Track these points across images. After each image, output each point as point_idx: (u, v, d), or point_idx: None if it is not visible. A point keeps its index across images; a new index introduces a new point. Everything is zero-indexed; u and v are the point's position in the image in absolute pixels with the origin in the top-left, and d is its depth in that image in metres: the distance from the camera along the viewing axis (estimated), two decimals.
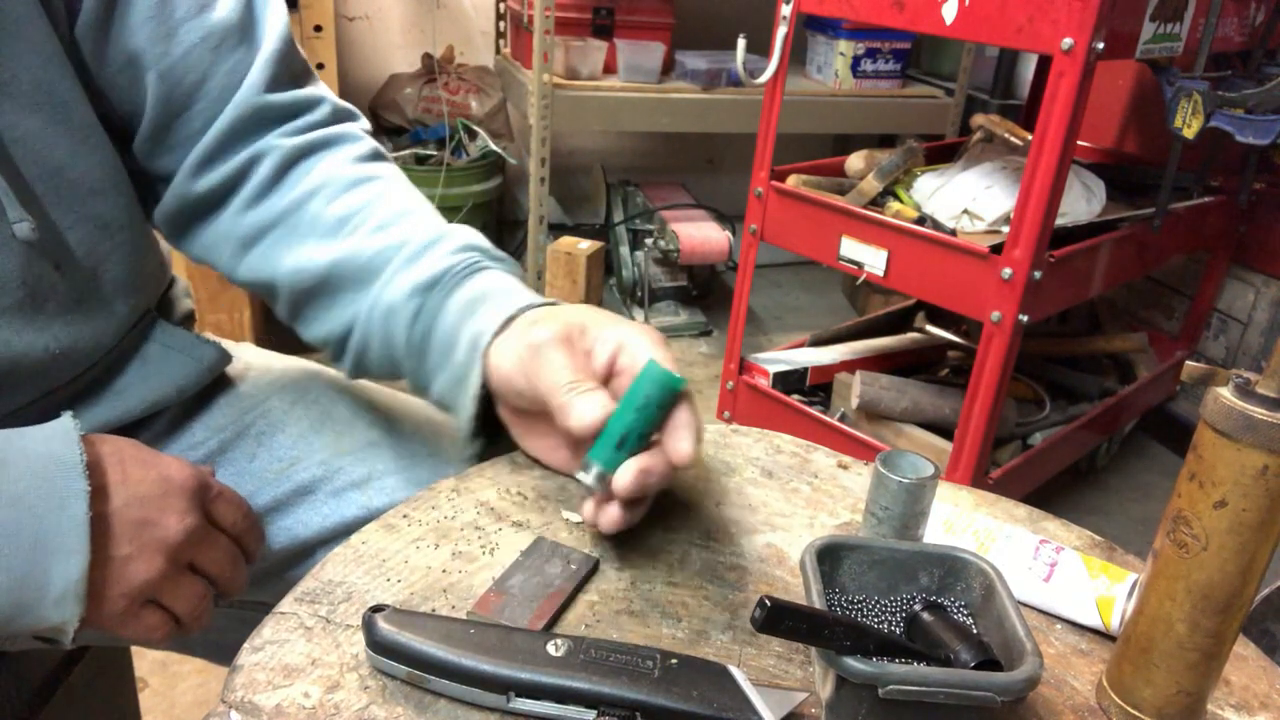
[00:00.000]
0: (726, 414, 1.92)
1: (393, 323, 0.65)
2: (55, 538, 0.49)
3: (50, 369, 0.62)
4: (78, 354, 0.64)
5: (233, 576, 0.60)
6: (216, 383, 0.76)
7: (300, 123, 0.70)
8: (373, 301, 0.65)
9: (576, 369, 0.56)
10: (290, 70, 0.70)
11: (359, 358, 0.68)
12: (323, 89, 0.73)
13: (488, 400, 0.62)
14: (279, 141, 0.68)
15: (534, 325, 0.59)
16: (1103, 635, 0.55)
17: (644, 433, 0.54)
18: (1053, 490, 1.99)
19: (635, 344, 0.58)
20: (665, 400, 0.53)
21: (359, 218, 0.67)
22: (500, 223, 3.03)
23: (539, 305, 0.62)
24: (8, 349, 0.59)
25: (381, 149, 0.74)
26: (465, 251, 0.66)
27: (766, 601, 0.40)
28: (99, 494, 0.52)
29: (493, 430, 0.65)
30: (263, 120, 0.68)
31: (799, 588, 0.55)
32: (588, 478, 0.54)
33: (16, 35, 0.58)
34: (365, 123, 0.76)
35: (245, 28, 0.67)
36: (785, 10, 1.60)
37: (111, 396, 0.68)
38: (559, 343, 0.57)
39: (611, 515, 0.55)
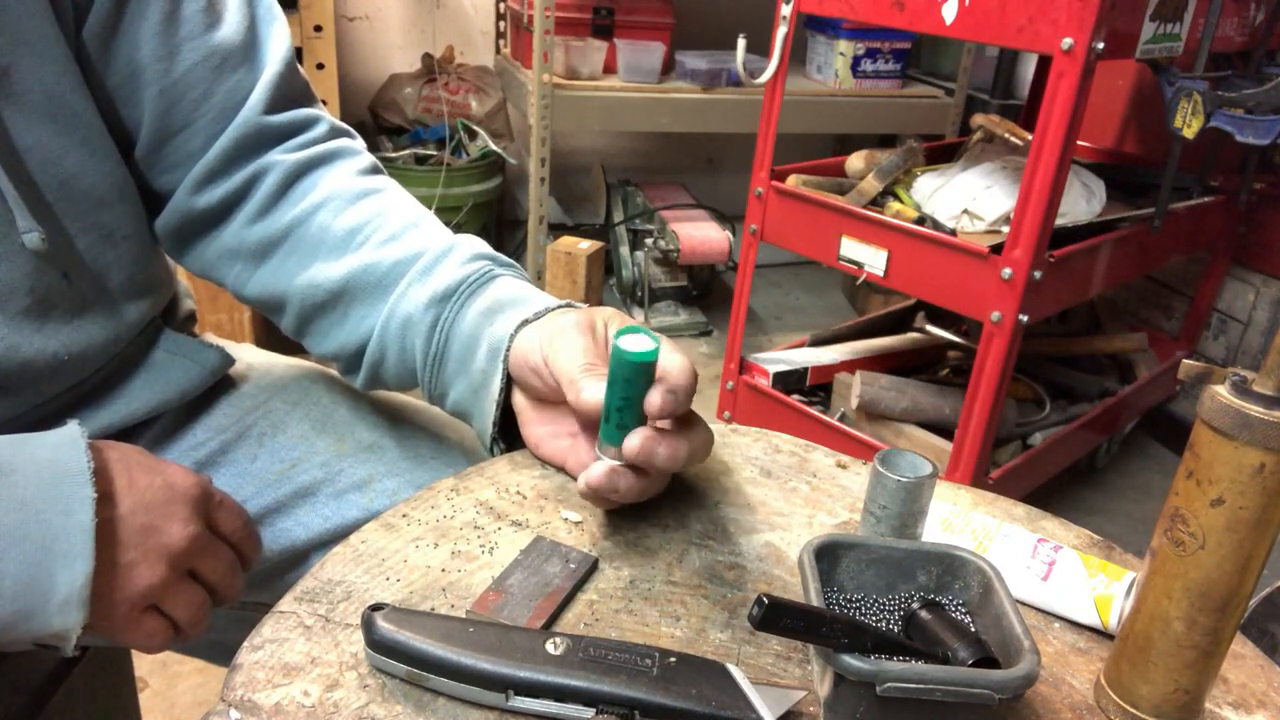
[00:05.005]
0: (726, 414, 1.92)
1: (410, 334, 0.65)
2: (61, 543, 0.50)
3: (58, 373, 0.63)
4: (85, 359, 0.64)
5: (231, 584, 0.60)
6: (218, 384, 0.76)
7: (299, 140, 0.71)
8: (388, 314, 0.66)
9: (594, 354, 0.57)
10: (290, 92, 0.71)
11: (374, 370, 0.68)
12: (321, 109, 0.74)
13: (505, 406, 0.63)
14: (280, 157, 0.69)
15: (561, 315, 0.60)
16: (1101, 634, 0.55)
17: (627, 404, 0.54)
18: (1053, 490, 1.99)
19: None
20: (629, 372, 0.53)
21: (368, 229, 0.68)
22: (500, 223, 3.03)
23: (557, 307, 0.63)
24: (16, 353, 0.59)
25: (379, 163, 0.75)
26: (477, 260, 0.67)
27: (765, 599, 0.40)
28: (105, 500, 0.52)
29: (510, 436, 0.66)
30: (262, 140, 0.69)
31: (798, 586, 0.55)
32: (604, 455, 0.56)
33: (29, 46, 0.58)
34: (361, 140, 0.77)
35: (248, 49, 0.68)
36: (785, 10, 1.61)
37: (115, 400, 0.68)
38: (581, 329, 0.58)
39: (629, 481, 0.56)
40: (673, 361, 0.55)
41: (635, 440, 0.54)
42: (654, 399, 0.54)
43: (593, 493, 0.56)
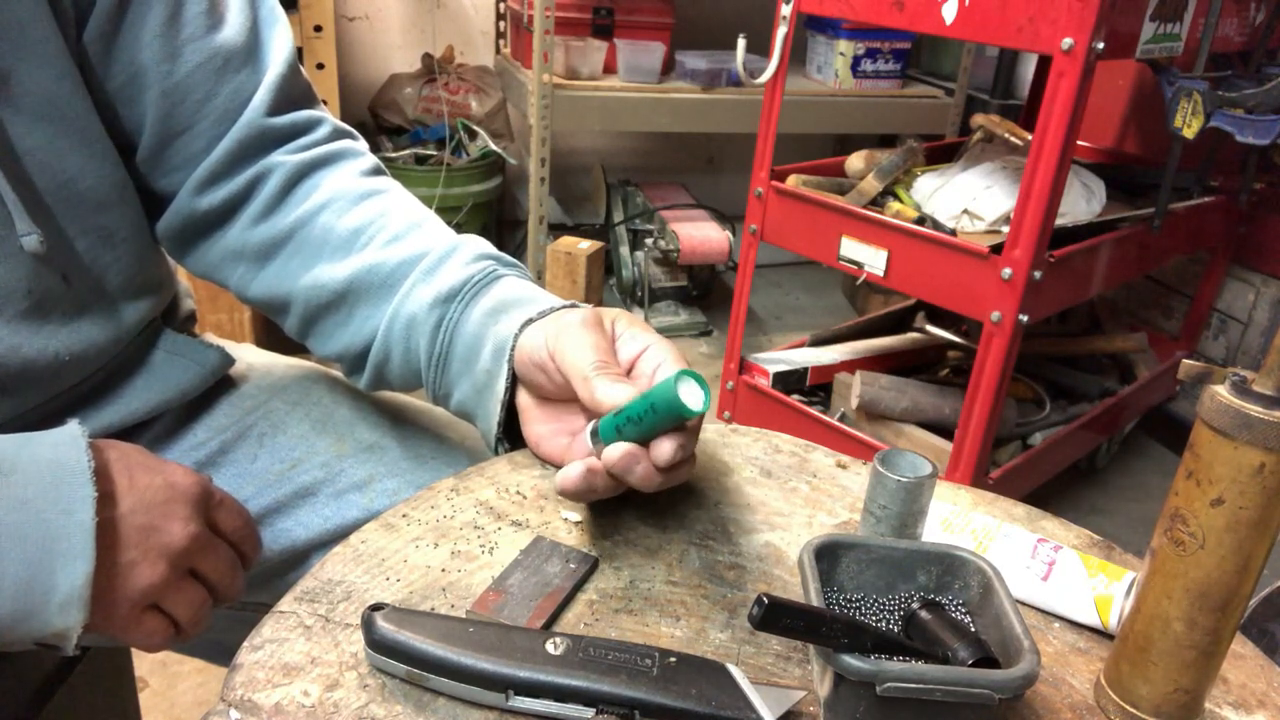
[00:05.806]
0: (726, 414, 1.92)
1: (414, 334, 0.65)
2: (61, 542, 0.50)
3: (58, 373, 0.63)
4: (86, 359, 0.64)
5: (231, 583, 0.60)
6: (219, 384, 0.76)
7: (302, 141, 0.71)
8: (392, 315, 0.66)
9: (605, 351, 0.57)
10: (292, 94, 0.71)
11: (378, 370, 0.68)
12: (323, 110, 0.74)
13: (509, 405, 0.63)
14: (283, 158, 0.69)
15: (566, 313, 0.60)
16: (1101, 634, 0.55)
17: (641, 430, 0.54)
18: (1053, 490, 1.99)
19: (659, 352, 0.59)
20: (668, 415, 0.52)
21: (372, 229, 0.68)
22: (500, 223, 3.03)
23: (562, 307, 0.63)
24: (16, 354, 0.60)
25: (381, 165, 0.75)
26: (481, 260, 0.67)
27: (764, 599, 0.40)
28: (106, 500, 0.52)
29: (514, 436, 0.65)
30: (265, 142, 0.69)
31: (797, 586, 0.55)
32: (589, 443, 0.56)
33: (30, 49, 0.58)
34: (363, 142, 0.77)
35: (250, 50, 0.68)
36: (785, 10, 1.61)
37: (116, 400, 0.68)
38: (589, 325, 0.58)
39: (606, 482, 0.55)
40: None
41: (615, 454, 0.53)
42: (665, 450, 0.53)
43: (568, 495, 0.56)
